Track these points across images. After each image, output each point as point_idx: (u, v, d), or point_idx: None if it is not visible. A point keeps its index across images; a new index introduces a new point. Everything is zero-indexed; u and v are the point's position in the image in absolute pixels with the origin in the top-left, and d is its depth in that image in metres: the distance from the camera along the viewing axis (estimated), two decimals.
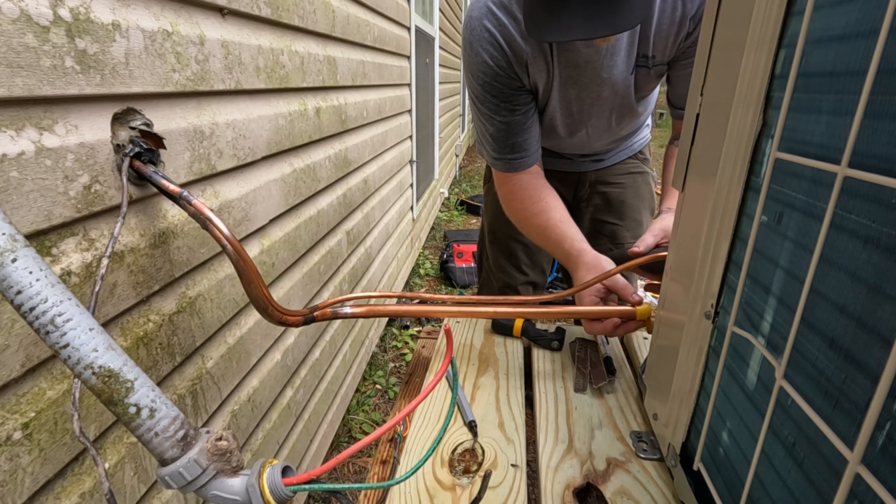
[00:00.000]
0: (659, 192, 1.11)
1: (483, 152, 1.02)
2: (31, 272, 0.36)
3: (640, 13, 0.63)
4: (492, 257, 1.31)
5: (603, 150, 1.14)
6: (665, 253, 0.75)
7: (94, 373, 0.38)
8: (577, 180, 1.20)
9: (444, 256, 3.08)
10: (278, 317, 0.64)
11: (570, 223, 0.90)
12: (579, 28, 0.64)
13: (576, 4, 0.64)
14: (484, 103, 0.92)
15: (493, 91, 0.90)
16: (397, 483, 0.50)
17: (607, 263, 0.80)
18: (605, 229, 1.22)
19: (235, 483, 0.42)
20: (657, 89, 1.02)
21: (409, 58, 2.61)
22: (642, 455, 0.62)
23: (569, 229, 0.89)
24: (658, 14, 0.80)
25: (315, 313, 0.68)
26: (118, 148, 0.60)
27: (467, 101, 1.15)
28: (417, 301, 2.19)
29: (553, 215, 0.92)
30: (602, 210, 1.22)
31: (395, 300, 2.31)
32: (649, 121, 1.22)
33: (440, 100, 3.99)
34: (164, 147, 0.66)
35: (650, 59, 0.86)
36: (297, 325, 0.67)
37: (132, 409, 0.40)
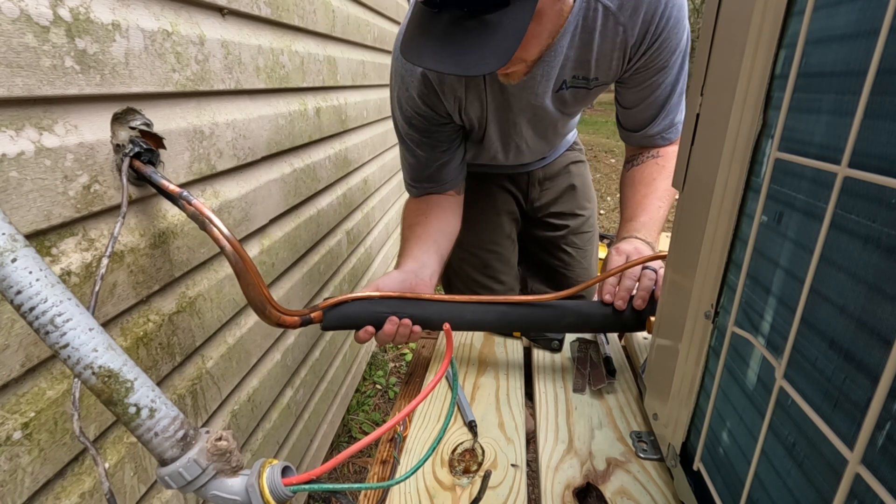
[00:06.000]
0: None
1: (403, 174, 1.01)
2: (30, 272, 0.36)
3: (493, 62, 0.59)
4: (463, 274, 1.26)
5: (545, 153, 1.16)
6: (664, 253, 0.75)
7: (94, 373, 0.38)
8: (528, 180, 1.21)
9: None
10: (276, 318, 0.64)
11: (424, 240, 0.88)
12: (432, 58, 0.62)
13: (438, 34, 0.61)
14: (406, 135, 0.91)
15: (417, 125, 0.89)
16: (397, 483, 0.50)
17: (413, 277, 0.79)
18: (570, 225, 1.23)
19: (235, 483, 0.42)
20: None
21: None
22: (642, 455, 0.62)
23: (415, 244, 0.87)
24: (599, 40, 0.79)
25: (312, 315, 0.68)
26: (118, 148, 0.60)
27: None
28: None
29: (417, 230, 0.90)
30: (556, 202, 1.23)
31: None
32: None
33: None
34: (163, 147, 0.66)
35: (591, 81, 0.85)
36: (294, 327, 0.67)
37: (132, 409, 0.40)
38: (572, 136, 1.24)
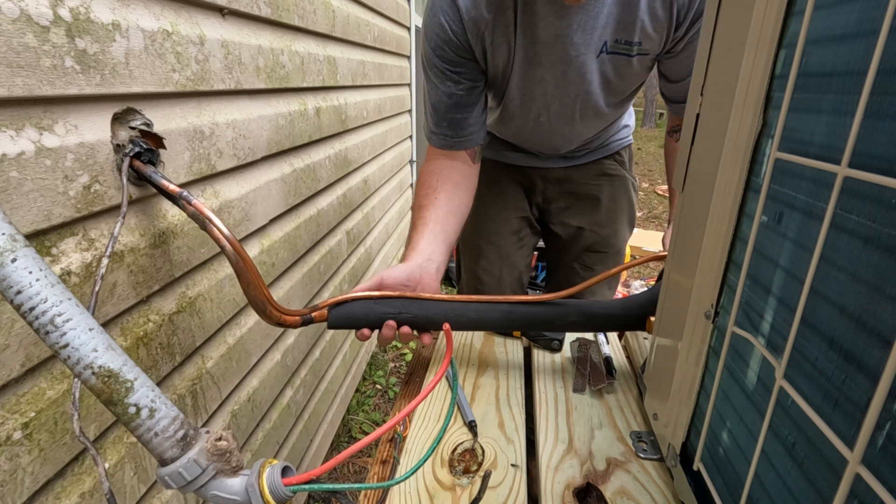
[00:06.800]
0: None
1: (425, 126, 0.97)
2: (30, 272, 0.36)
3: None
4: (465, 263, 1.25)
5: (571, 148, 1.09)
6: (664, 253, 0.75)
7: (93, 373, 0.38)
8: (545, 177, 1.15)
9: None
10: (277, 317, 0.64)
11: (431, 228, 0.84)
12: None
13: None
14: (432, 68, 0.88)
15: (442, 56, 0.86)
16: (397, 483, 0.50)
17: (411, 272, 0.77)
18: (581, 240, 1.17)
19: (235, 483, 0.42)
20: (636, 90, 0.97)
21: (409, 57, 2.62)
22: (642, 455, 0.62)
23: (422, 234, 0.83)
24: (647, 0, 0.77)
25: (313, 314, 0.68)
26: (118, 148, 0.60)
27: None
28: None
29: (426, 214, 0.86)
30: (570, 210, 1.16)
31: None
32: (630, 122, 1.15)
33: None
34: (164, 147, 0.66)
35: (634, 46, 0.82)
36: (294, 327, 0.67)
37: (132, 409, 0.40)
38: (618, 143, 1.14)
